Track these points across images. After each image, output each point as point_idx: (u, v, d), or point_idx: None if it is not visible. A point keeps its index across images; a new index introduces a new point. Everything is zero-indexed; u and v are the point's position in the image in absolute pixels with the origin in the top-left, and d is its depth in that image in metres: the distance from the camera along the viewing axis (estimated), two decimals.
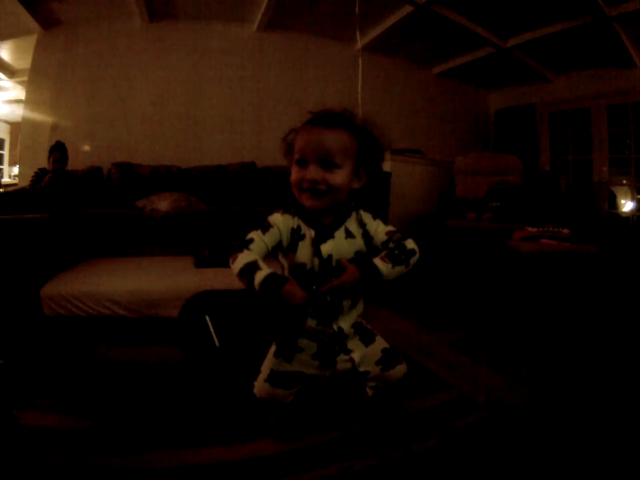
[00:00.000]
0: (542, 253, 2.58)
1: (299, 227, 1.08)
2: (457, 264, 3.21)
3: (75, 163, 3.68)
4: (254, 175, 4.29)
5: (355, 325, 1.15)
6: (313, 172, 1.03)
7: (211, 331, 1.06)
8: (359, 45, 4.55)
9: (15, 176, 6.97)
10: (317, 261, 1.06)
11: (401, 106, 5.28)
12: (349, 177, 1.07)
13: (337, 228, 1.09)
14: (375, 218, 1.15)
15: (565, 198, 4.24)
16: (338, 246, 1.07)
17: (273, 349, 1.18)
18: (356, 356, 1.15)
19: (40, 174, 3.31)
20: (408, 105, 5.47)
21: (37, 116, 4.30)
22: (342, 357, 1.15)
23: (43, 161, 3.44)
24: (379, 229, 1.12)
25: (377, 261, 1.04)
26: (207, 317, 1.07)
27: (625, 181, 5.14)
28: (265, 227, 1.06)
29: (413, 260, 1.08)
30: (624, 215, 5.09)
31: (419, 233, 3.43)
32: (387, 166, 3.58)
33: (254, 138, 4.77)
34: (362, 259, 1.08)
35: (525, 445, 1.18)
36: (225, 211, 3.52)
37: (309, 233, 1.07)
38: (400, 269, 1.05)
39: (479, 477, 1.08)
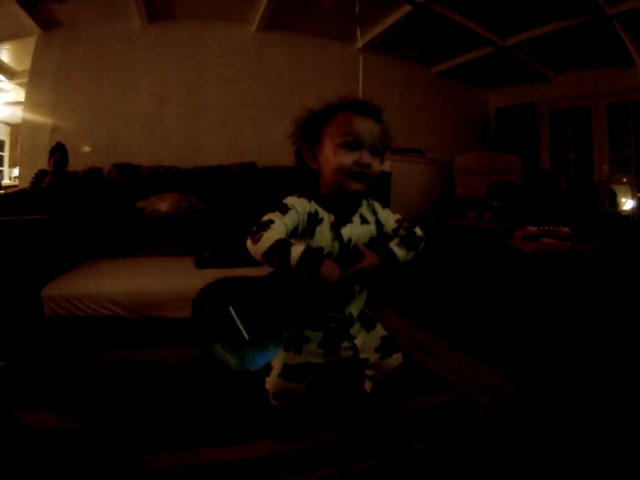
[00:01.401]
0: (542, 252, 2.57)
1: (316, 212, 1.07)
2: (458, 263, 3.20)
3: (75, 163, 3.69)
4: (254, 175, 4.30)
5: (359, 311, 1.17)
6: (367, 157, 1.05)
7: (237, 324, 0.99)
8: (360, 44, 4.55)
9: (15, 177, 6.97)
10: (337, 246, 1.06)
11: (400, 105, 5.28)
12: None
13: (353, 213, 1.12)
14: (383, 207, 1.19)
15: (565, 197, 4.24)
16: (356, 231, 1.09)
17: None
18: (358, 342, 1.16)
19: (40, 175, 3.31)
20: (407, 105, 5.47)
21: (36, 117, 4.31)
22: (345, 343, 1.16)
23: (43, 163, 3.44)
24: (389, 217, 1.16)
25: (393, 247, 1.08)
26: (231, 308, 1.01)
27: (625, 180, 5.15)
28: (284, 209, 1.03)
29: (421, 246, 1.14)
30: (624, 214, 5.10)
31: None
32: (386, 165, 3.57)
33: (254, 138, 4.79)
34: (377, 244, 1.11)
35: (527, 444, 1.18)
36: (225, 211, 3.52)
37: (328, 217, 1.08)
38: (411, 255, 1.11)
39: (480, 476, 1.08)
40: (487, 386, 1.54)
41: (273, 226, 0.96)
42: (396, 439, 1.22)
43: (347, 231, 1.07)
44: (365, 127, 1.05)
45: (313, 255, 0.94)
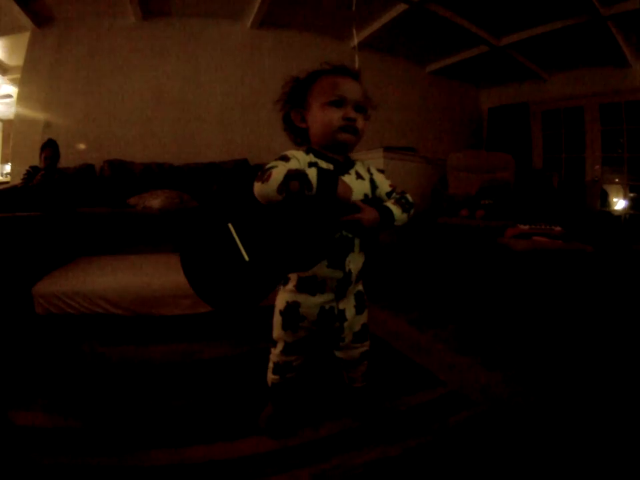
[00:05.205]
0: (534, 250, 2.58)
1: (315, 162, 1.12)
2: (449, 261, 3.21)
3: (68, 160, 3.67)
4: (247, 172, 4.28)
5: (358, 275, 1.19)
6: (352, 112, 1.12)
7: (237, 242, 0.95)
8: (356, 41, 4.54)
9: (6, 174, 6.92)
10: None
11: (394, 104, 5.27)
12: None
13: (350, 168, 1.17)
14: (378, 171, 1.25)
15: (558, 196, 4.25)
16: (352, 183, 1.10)
17: (278, 318, 1.20)
18: (346, 324, 1.21)
19: (32, 172, 3.29)
20: (401, 103, 5.47)
21: (29, 113, 4.27)
22: (337, 323, 1.21)
23: (35, 159, 3.43)
24: (384, 181, 1.22)
25: (390, 205, 1.13)
26: (230, 225, 0.97)
27: (617, 180, 5.17)
28: (285, 158, 1.07)
29: (412, 212, 1.18)
30: (616, 213, 5.12)
31: (411, 230, 3.45)
32: (379, 163, 3.57)
33: (247, 135, 4.78)
34: (374, 202, 1.14)
35: (520, 441, 1.19)
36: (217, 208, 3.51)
37: (327, 166, 1.12)
38: (404, 217, 1.15)
39: (474, 473, 1.09)
40: (479, 383, 1.55)
41: (278, 167, 0.99)
42: (389, 436, 1.22)
43: (345, 180, 1.09)
44: (349, 86, 1.12)
45: (329, 173, 1.02)
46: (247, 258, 0.95)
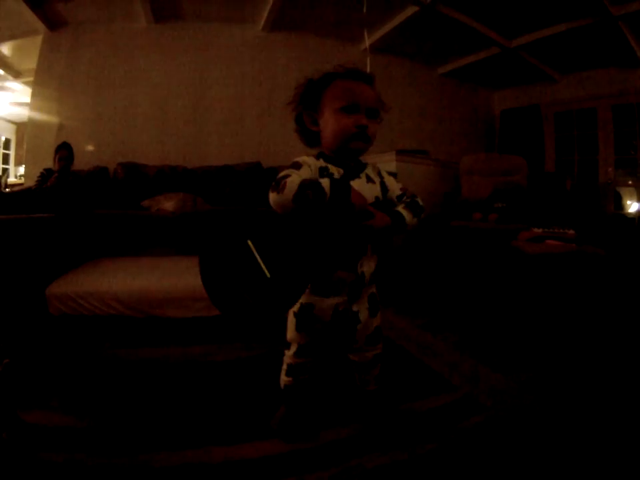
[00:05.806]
0: (547, 254, 2.56)
1: (326, 167, 1.13)
2: (462, 264, 3.19)
3: (81, 163, 3.71)
4: (259, 175, 4.30)
5: (372, 277, 1.19)
6: (364, 119, 1.12)
7: (257, 259, 0.94)
8: (367, 44, 4.54)
9: (20, 176, 7.00)
10: None
11: (405, 106, 5.28)
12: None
13: (361, 171, 1.18)
14: (388, 174, 1.26)
15: (570, 199, 4.22)
16: (363, 187, 1.13)
17: (292, 320, 1.21)
18: (359, 326, 1.21)
19: (46, 174, 3.33)
20: (413, 105, 5.48)
21: (42, 116, 4.32)
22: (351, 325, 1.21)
23: (48, 161, 3.46)
24: (395, 184, 1.23)
25: (401, 210, 1.15)
26: (250, 242, 0.96)
27: (630, 182, 5.12)
28: (297, 165, 1.09)
29: (422, 216, 1.20)
30: (629, 216, 5.06)
31: (424, 233, 3.44)
32: (392, 166, 3.56)
33: (259, 138, 4.80)
34: (385, 206, 1.15)
35: (530, 447, 1.18)
36: (230, 211, 3.52)
37: (337, 171, 1.14)
38: (415, 221, 1.17)
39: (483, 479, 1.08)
40: (490, 388, 1.54)
41: (292, 176, 1.01)
42: (400, 440, 1.21)
43: (355, 185, 1.09)
44: (362, 92, 1.13)
45: (342, 183, 1.02)
46: (268, 275, 0.95)
